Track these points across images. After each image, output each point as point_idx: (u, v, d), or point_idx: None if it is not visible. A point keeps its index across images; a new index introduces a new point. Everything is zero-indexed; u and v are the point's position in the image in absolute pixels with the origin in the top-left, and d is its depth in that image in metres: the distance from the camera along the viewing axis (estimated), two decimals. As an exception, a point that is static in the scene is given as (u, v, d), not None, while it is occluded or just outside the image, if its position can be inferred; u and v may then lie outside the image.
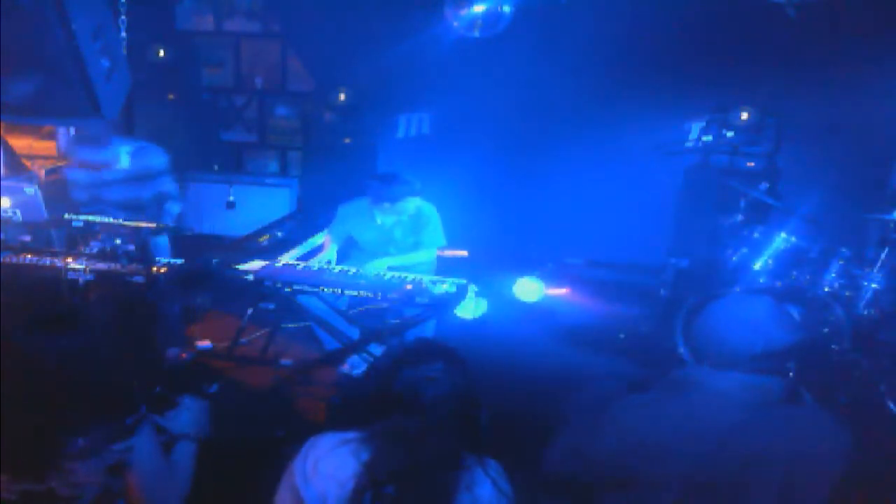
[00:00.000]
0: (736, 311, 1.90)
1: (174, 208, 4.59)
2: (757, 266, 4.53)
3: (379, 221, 4.35)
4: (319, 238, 4.65)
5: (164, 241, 4.44)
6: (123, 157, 4.37)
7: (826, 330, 4.22)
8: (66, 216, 3.92)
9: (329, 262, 4.25)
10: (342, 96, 6.33)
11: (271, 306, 3.93)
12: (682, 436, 1.80)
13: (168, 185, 4.57)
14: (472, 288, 3.89)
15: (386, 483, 1.73)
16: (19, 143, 5.80)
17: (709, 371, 1.89)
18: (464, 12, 5.18)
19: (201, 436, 2.24)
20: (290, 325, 4.48)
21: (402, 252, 4.35)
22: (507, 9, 5.16)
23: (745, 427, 1.79)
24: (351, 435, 1.82)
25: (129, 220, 4.08)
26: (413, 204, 4.31)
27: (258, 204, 6.42)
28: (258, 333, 4.39)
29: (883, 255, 4.24)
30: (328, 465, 1.77)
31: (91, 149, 4.26)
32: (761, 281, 4.50)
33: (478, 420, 1.90)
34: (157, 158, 4.53)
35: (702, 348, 1.92)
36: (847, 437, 1.80)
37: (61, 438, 1.88)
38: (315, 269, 4.02)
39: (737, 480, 1.78)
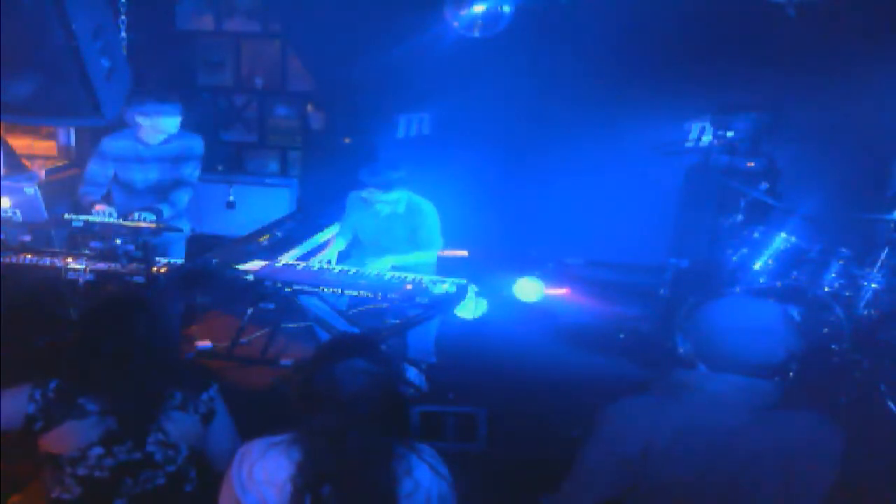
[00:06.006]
0: (745, 315, 1.88)
1: (184, 196, 4.43)
2: (757, 266, 4.53)
3: (377, 208, 4.33)
4: (319, 238, 4.65)
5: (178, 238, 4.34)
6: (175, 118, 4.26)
7: (826, 330, 4.22)
8: (66, 216, 3.92)
9: (329, 262, 4.24)
10: (342, 96, 6.32)
11: (271, 306, 3.93)
12: (683, 440, 1.80)
13: (193, 170, 4.48)
14: (472, 288, 3.89)
15: (321, 483, 1.72)
16: (19, 143, 5.80)
17: (707, 374, 1.88)
18: (464, 12, 5.18)
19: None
20: (290, 325, 4.48)
21: (398, 244, 4.32)
22: (507, 9, 5.16)
23: (744, 430, 1.79)
24: (279, 438, 1.81)
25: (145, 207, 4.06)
26: (404, 196, 4.27)
27: (258, 204, 6.42)
28: (258, 333, 4.38)
29: (883, 255, 4.23)
30: (262, 470, 1.76)
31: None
32: (761, 281, 4.50)
33: (403, 411, 1.95)
34: (198, 141, 4.48)
35: (705, 350, 1.90)
36: (842, 437, 1.82)
37: (163, 391, 2.10)
38: (315, 269, 4.02)
39: (738, 483, 1.78)
